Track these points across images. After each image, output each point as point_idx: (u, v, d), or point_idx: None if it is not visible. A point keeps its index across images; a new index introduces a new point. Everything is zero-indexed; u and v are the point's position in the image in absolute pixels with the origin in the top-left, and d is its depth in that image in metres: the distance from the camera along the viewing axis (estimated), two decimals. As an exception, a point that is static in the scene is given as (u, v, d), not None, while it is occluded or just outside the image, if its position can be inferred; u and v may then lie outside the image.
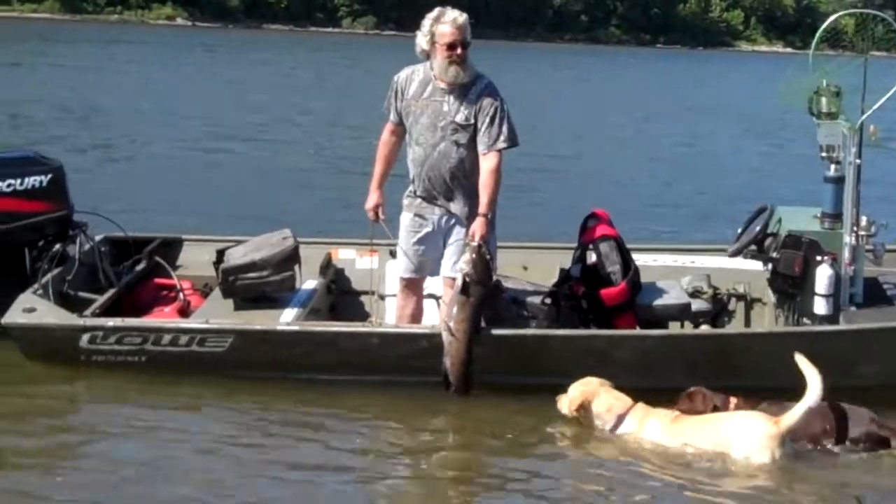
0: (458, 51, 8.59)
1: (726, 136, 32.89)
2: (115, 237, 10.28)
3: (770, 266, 9.17)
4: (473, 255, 8.34)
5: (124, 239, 10.29)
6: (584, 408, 7.96)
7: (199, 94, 37.40)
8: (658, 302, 9.44)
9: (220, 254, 9.58)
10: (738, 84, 61.38)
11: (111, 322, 8.79)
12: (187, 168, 21.25)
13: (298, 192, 18.92)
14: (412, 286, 9.10)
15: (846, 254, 8.80)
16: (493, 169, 8.58)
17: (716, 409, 7.87)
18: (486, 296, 8.50)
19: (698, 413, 7.86)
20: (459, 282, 8.35)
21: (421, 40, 8.75)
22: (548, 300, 9.32)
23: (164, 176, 19.94)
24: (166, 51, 62.36)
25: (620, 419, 7.84)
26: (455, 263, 8.61)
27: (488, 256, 8.42)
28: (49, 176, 9.51)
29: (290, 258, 9.33)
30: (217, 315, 9.02)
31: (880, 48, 9.15)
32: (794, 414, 7.37)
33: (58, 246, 9.43)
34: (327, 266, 10.12)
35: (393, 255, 9.53)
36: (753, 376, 8.30)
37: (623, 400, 7.92)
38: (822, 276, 8.68)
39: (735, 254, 9.49)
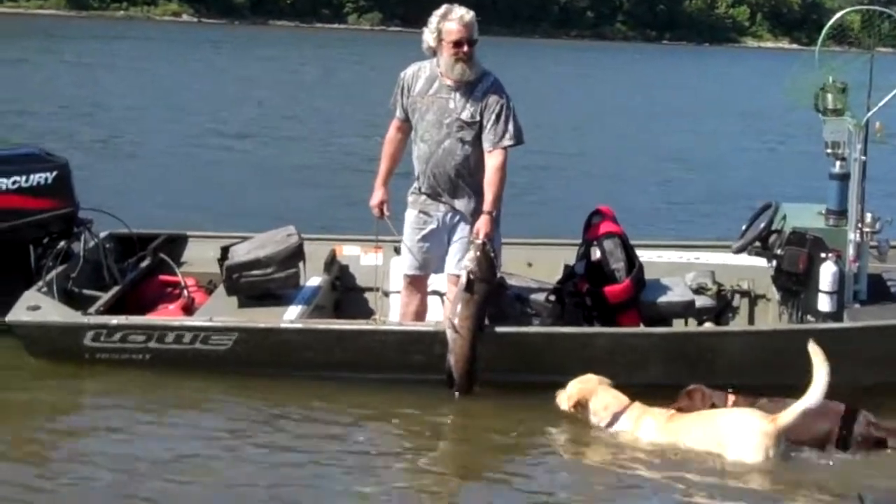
0: (465, 48, 8.59)
1: (731, 132, 32.84)
2: (120, 234, 10.28)
3: (774, 263, 9.15)
4: (478, 253, 8.34)
5: (129, 236, 10.29)
6: (581, 405, 7.98)
7: (204, 90, 37.38)
8: (662, 299, 9.43)
9: (225, 251, 9.59)
10: (744, 80, 61.27)
11: (115, 320, 8.79)
12: (192, 164, 21.27)
13: (303, 188, 18.94)
14: (416, 283, 9.10)
15: (850, 251, 8.80)
16: (498, 167, 8.57)
17: (714, 406, 7.87)
18: (490, 293, 8.51)
19: (697, 410, 7.87)
20: (464, 279, 8.36)
21: (428, 37, 8.74)
22: (552, 297, 9.31)
23: (168, 172, 19.96)
24: (172, 47, 62.40)
25: (616, 417, 7.85)
26: (460, 261, 8.61)
27: (493, 254, 8.43)
28: (54, 173, 9.50)
29: (295, 255, 9.32)
30: (221, 312, 9.03)
31: (887, 45, 9.13)
32: (792, 412, 7.36)
33: (62, 243, 9.44)
34: (332, 263, 10.11)
35: (397, 251, 9.51)
36: (757, 374, 8.29)
37: (620, 398, 7.93)
38: (827, 272, 8.68)
39: (739, 250, 9.46)
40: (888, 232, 9.11)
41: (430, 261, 8.98)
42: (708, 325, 9.54)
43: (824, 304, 8.72)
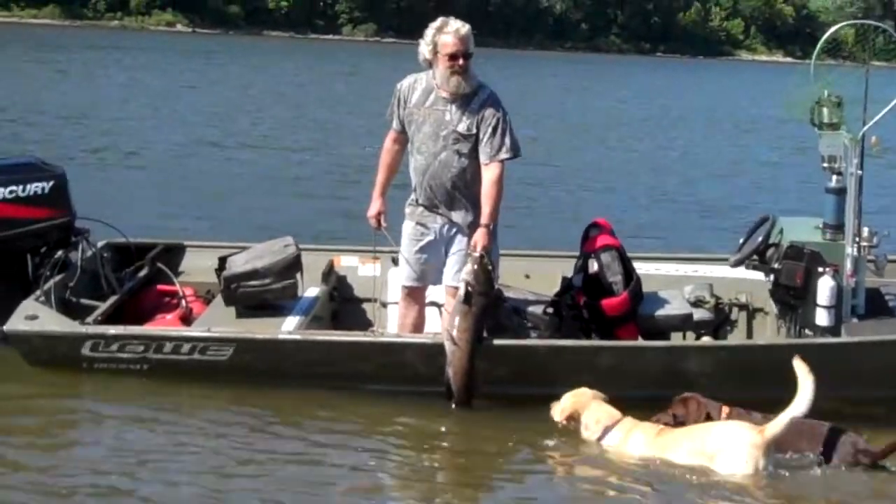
0: (461, 61, 8.60)
1: (728, 145, 32.92)
2: (118, 243, 10.28)
3: (772, 276, 9.17)
4: (476, 266, 8.35)
5: (126, 245, 10.29)
6: (573, 418, 8.01)
7: (200, 100, 37.39)
8: (660, 312, 9.44)
9: (223, 261, 9.58)
10: (739, 93, 61.42)
11: (113, 330, 8.79)
12: (189, 174, 21.27)
13: (301, 198, 18.95)
14: (414, 294, 9.10)
15: (848, 265, 8.80)
16: (495, 179, 8.58)
17: (709, 416, 7.88)
18: (488, 306, 8.51)
19: (691, 419, 7.89)
20: (462, 291, 8.36)
21: (424, 49, 8.75)
22: (549, 310, 9.32)
23: (166, 182, 19.94)
24: (166, 57, 62.36)
25: (607, 431, 7.86)
26: (457, 273, 8.61)
27: (490, 267, 8.43)
28: (51, 182, 9.49)
29: (292, 266, 9.33)
30: (219, 322, 9.02)
31: (881, 59, 9.15)
32: (779, 423, 7.39)
33: (60, 252, 9.42)
34: (329, 273, 10.11)
35: (395, 262, 9.52)
36: (754, 387, 8.30)
37: (612, 413, 7.95)
38: (824, 287, 8.69)
39: (737, 264, 9.49)
40: (885, 246, 9.13)
41: (428, 272, 8.98)
42: (706, 339, 9.55)
43: (822, 318, 8.72)
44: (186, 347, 8.67)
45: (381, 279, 9.96)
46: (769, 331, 9.86)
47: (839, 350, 8.54)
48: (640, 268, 9.73)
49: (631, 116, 41.37)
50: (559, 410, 8.06)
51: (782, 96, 9.56)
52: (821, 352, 8.41)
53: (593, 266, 9.39)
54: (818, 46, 9.01)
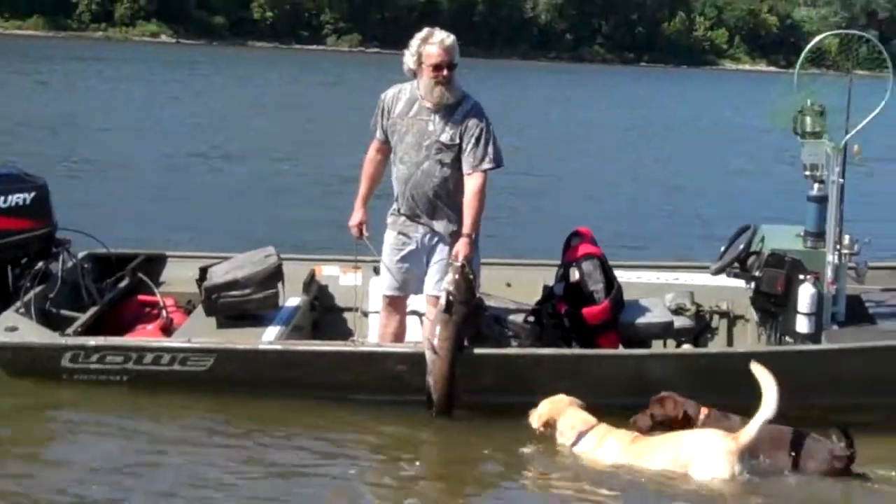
0: (444, 72, 8.60)
1: (710, 153, 32.98)
2: (99, 254, 10.26)
3: (753, 284, 9.18)
4: (457, 275, 8.35)
5: (107, 256, 10.27)
6: (549, 424, 8.03)
7: (183, 111, 37.34)
8: (641, 320, 9.45)
9: (203, 271, 9.57)
10: (722, 102, 61.54)
11: (93, 341, 8.76)
12: (171, 185, 21.23)
13: (282, 208, 18.93)
14: (395, 304, 9.09)
15: (829, 272, 8.82)
16: (477, 189, 8.58)
17: (686, 415, 7.90)
18: (469, 315, 8.50)
19: (668, 417, 7.92)
20: (443, 301, 8.36)
21: (408, 59, 8.75)
22: (530, 318, 9.33)
23: (147, 193, 19.93)
24: (150, 68, 62.26)
25: (581, 436, 7.88)
26: (438, 282, 8.62)
27: (472, 276, 8.44)
28: (33, 193, 9.49)
29: (273, 276, 9.33)
30: (200, 333, 9.01)
31: (864, 68, 9.16)
32: (752, 428, 7.42)
33: (41, 263, 9.42)
34: (310, 283, 10.10)
35: (377, 271, 9.51)
36: (735, 395, 8.29)
37: (587, 419, 7.97)
38: (805, 294, 8.70)
39: (718, 271, 9.49)
40: (866, 253, 9.15)
41: (410, 282, 8.98)
42: (686, 347, 9.56)
43: (802, 325, 8.73)
44: (167, 358, 8.65)
45: (363, 289, 9.96)
46: (750, 338, 9.88)
47: (819, 357, 8.56)
48: (622, 276, 9.74)
49: (614, 126, 41.37)
50: (536, 417, 8.08)
51: (766, 106, 9.55)
52: (801, 359, 8.44)
53: (575, 275, 9.40)
54: (802, 56, 9.04)
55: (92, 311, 9.44)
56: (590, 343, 9.15)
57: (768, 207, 18.01)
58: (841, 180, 8.83)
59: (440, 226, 8.76)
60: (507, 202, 18.41)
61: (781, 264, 8.87)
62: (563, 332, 9.32)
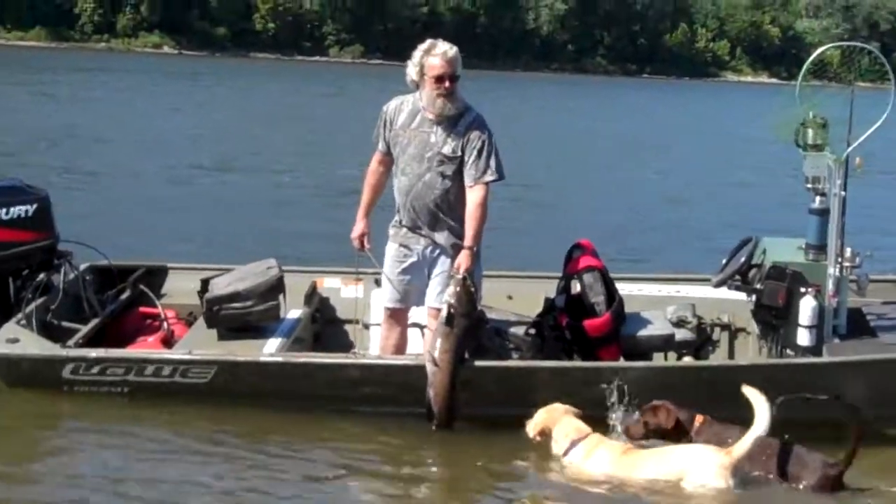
0: (447, 84, 8.60)
1: (711, 165, 32.99)
2: (100, 266, 10.26)
3: (754, 297, 9.17)
4: (458, 288, 8.35)
5: (109, 268, 10.27)
6: (545, 433, 8.03)
7: (185, 122, 37.40)
8: (642, 333, 9.44)
9: (205, 283, 9.56)
10: (724, 114, 61.58)
11: (94, 353, 8.76)
12: (172, 196, 21.25)
13: (284, 220, 18.94)
14: (397, 316, 9.08)
15: (830, 285, 8.81)
16: (479, 202, 8.58)
17: (679, 423, 7.90)
18: (470, 327, 8.49)
19: (660, 427, 7.92)
20: (444, 313, 8.36)
21: (411, 70, 8.75)
22: (532, 331, 9.32)
23: (148, 204, 19.92)
24: (152, 79, 62.33)
25: (573, 444, 7.88)
26: (440, 294, 8.61)
27: (473, 289, 8.43)
28: (35, 205, 9.50)
29: (275, 288, 9.32)
30: (201, 344, 9.01)
31: (866, 80, 9.16)
32: (745, 443, 7.43)
33: (42, 275, 9.42)
34: (312, 295, 10.09)
35: (378, 283, 9.50)
36: (736, 407, 8.28)
37: (580, 427, 7.97)
38: (806, 307, 8.69)
39: (719, 284, 9.48)
40: (867, 266, 9.14)
41: (411, 294, 8.97)
42: (687, 360, 9.56)
43: (804, 338, 8.73)
44: (168, 370, 8.65)
45: (364, 301, 9.95)
46: (751, 351, 9.88)
47: (820, 370, 8.55)
48: (623, 288, 9.73)
49: (616, 137, 41.41)
50: (532, 426, 8.09)
51: (769, 118, 9.55)
52: (802, 372, 8.44)
53: (576, 287, 9.40)
54: (804, 68, 9.02)
55: (93, 322, 9.44)
56: (591, 355, 9.14)
57: (770, 220, 17.98)
58: (843, 193, 8.84)
59: (442, 238, 8.76)
60: (508, 214, 18.39)
61: (783, 277, 8.87)
62: (565, 345, 9.31)
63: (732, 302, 9.82)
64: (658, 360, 9.54)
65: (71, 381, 8.69)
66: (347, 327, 10.16)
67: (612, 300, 9.32)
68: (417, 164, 8.70)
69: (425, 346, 8.78)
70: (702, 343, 9.90)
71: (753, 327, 9.73)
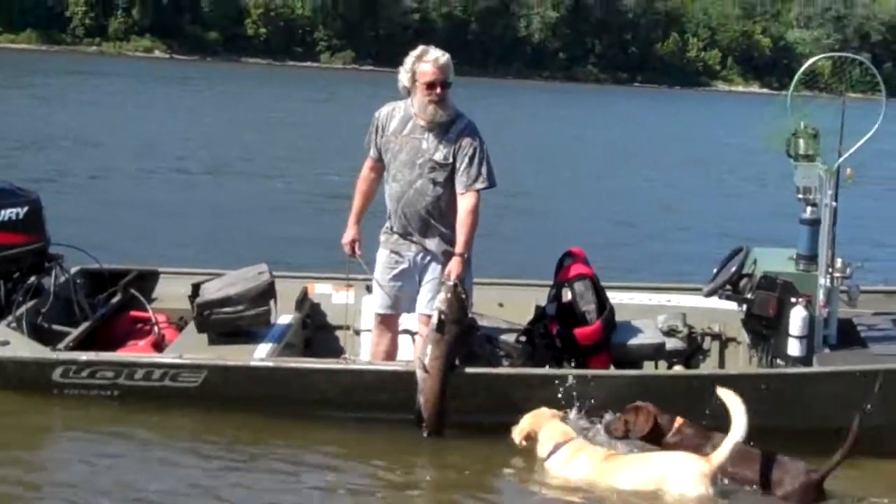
0: (438, 90, 8.60)
1: (702, 175, 33.03)
2: (91, 269, 10.26)
3: (745, 306, 9.19)
4: (449, 294, 8.35)
5: (100, 271, 10.27)
6: (531, 437, 8.06)
7: (176, 127, 37.37)
8: (633, 341, 9.43)
9: (196, 287, 9.55)
10: (715, 123, 61.65)
11: (84, 356, 8.75)
12: (164, 201, 21.24)
13: (275, 226, 18.93)
14: (387, 322, 9.08)
15: (821, 296, 8.82)
16: (470, 209, 8.59)
17: (658, 426, 7.91)
18: (461, 334, 8.49)
19: (638, 428, 7.93)
20: (435, 319, 8.35)
21: (403, 77, 8.75)
22: (522, 338, 9.31)
23: (140, 209, 19.92)
24: (143, 83, 62.31)
25: (556, 448, 7.89)
26: (431, 301, 8.61)
27: (464, 296, 8.43)
28: (26, 208, 9.48)
29: (265, 293, 9.31)
30: (191, 349, 8.99)
31: (857, 91, 9.17)
32: (724, 450, 7.46)
33: (33, 278, 9.40)
34: (303, 301, 10.09)
35: (369, 289, 9.51)
36: (726, 416, 8.28)
37: (565, 431, 8.00)
38: (797, 317, 8.70)
39: (710, 294, 9.49)
40: (858, 277, 9.15)
41: (402, 300, 8.97)
42: (678, 369, 9.56)
43: (794, 348, 8.73)
44: (158, 374, 8.64)
45: (355, 307, 9.94)
46: (741, 361, 9.88)
47: (810, 380, 8.55)
48: (614, 297, 9.72)
49: (607, 146, 41.47)
50: (517, 431, 8.10)
51: (760, 128, 9.56)
52: (792, 382, 8.44)
53: (567, 295, 9.41)
54: (795, 79, 9.02)
55: (84, 326, 9.43)
56: (581, 363, 9.14)
57: (761, 230, 18.02)
58: (834, 203, 8.85)
59: (433, 244, 8.77)
60: (499, 221, 18.41)
61: (773, 287, 8.87)
62: (555, 353, 9.29)
63: (723, 311, 9.82)
64: (649, 368, 9.53)
65: (61, 385, 8.67)
66: (338, 333, 10.16)
67: (602, 308, 9.31)
68: (409, 170, 8.71)
69: (416, 352, 8.79)
70: (692, 352, 9.89)
71: (744, 337, 9.74)
